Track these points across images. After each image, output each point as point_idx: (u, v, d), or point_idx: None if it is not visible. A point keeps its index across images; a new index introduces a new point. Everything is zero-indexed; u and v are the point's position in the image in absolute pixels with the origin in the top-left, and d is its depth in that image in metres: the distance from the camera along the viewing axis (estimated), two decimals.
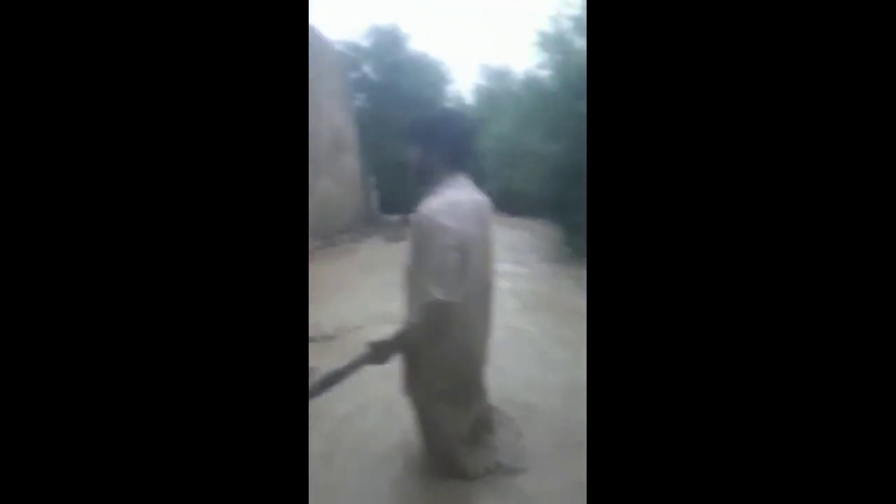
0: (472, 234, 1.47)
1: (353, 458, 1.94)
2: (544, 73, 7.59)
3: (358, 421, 2.22)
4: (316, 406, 1.40)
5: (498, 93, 14.87)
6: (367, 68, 12.15)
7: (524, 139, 8.74)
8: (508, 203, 13.47)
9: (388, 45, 11.96)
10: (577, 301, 4.65)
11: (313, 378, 1.48)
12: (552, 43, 6.76)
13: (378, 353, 1.46)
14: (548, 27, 6.73)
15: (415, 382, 1.60)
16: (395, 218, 12.81)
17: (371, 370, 1.52)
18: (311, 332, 3.25)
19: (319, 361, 2.04)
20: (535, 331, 3.54)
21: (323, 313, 3.83)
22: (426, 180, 1.54)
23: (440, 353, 1.50)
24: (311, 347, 2.74)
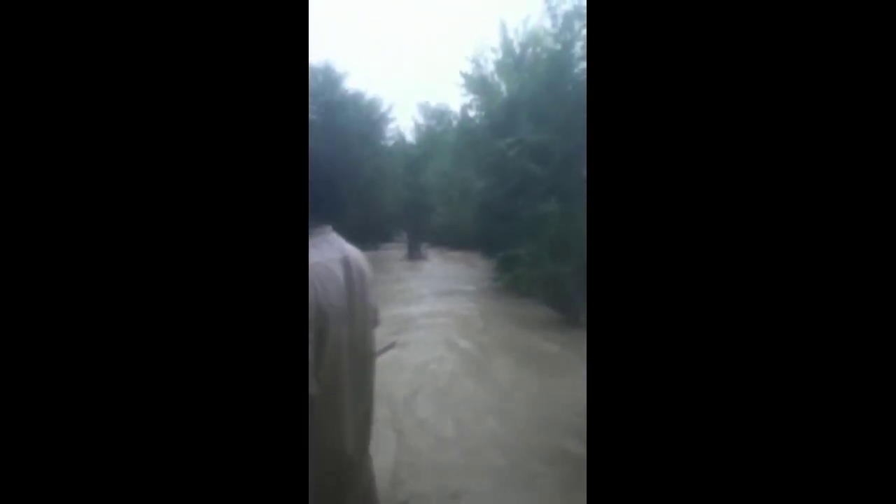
0: (330, 303, 1.21)
1: None
2: (472, 113, 7.83)
3: None
4: None
5: (439, 131, 15.25)
6: None
7: (459, 176, 8.90)
8: (449, 237, 13.63)
9: (321, 84, 11.97)
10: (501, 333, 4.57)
11: None
12: (476, 83, 7.01)
13: None
14: (470, 69, 6.99)
15: None
16: None
17: None
18: None
19: None
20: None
21: None
22: None
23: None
24: None
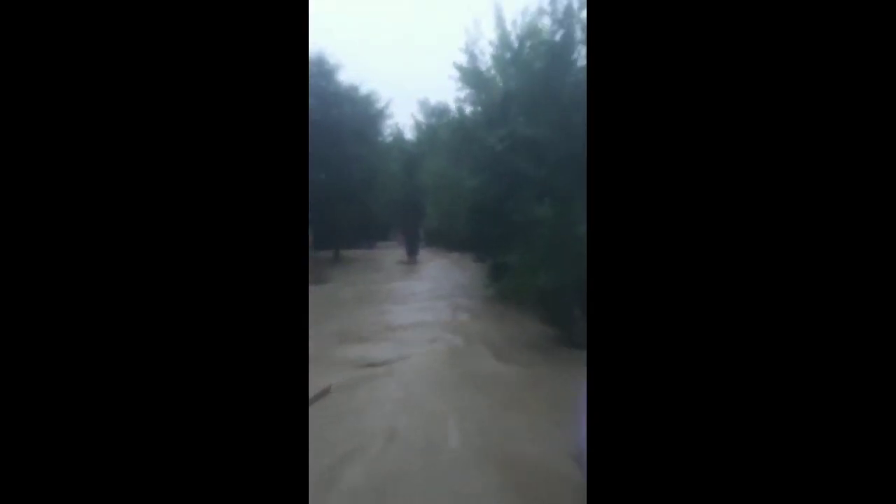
0: None
1: None
2: (468, 109, 7.44)
3: None
4: None
5: (437, 128, 14.78)
6: None
7: (452, 174, 8.50)
8: (444, 238, 13.24)
9: (314, 76, 11.51)
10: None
11: None
12: (471, 76, 6.61)
13: None
14: (464, 61, 6.58)
15: None
16: (327, 254, 12.17)
17: None
18: None
19: None
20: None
21: None
22: None
23: None
24: None
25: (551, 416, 2.78)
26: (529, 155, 5.12)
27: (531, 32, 5.89)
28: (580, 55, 5.24)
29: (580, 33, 5.19)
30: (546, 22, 5.56)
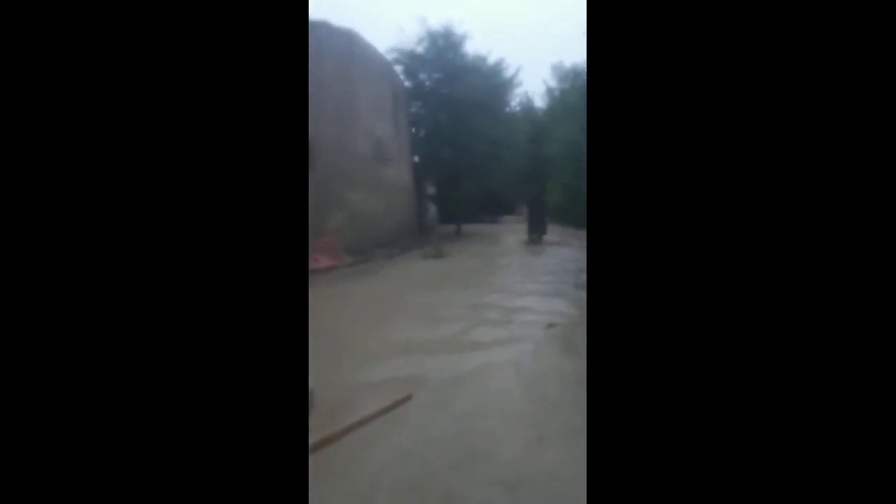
0: None
1: None
2: None
3: None
4: None
5: (569, 93, 13.44)
6: (422, 75, 11.75)
7: (581, 142, 7.57)
8: (571, 215, 12.14)
9: (442, 49, 11.40)
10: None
11: None
12: None
13: None
14: None
15: None
16: (450, 228, 12.35)
17: None
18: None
19: None
20: None
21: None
22: None
23: None
24: None
25: None
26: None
27: None
28: None
29: None
30: None
